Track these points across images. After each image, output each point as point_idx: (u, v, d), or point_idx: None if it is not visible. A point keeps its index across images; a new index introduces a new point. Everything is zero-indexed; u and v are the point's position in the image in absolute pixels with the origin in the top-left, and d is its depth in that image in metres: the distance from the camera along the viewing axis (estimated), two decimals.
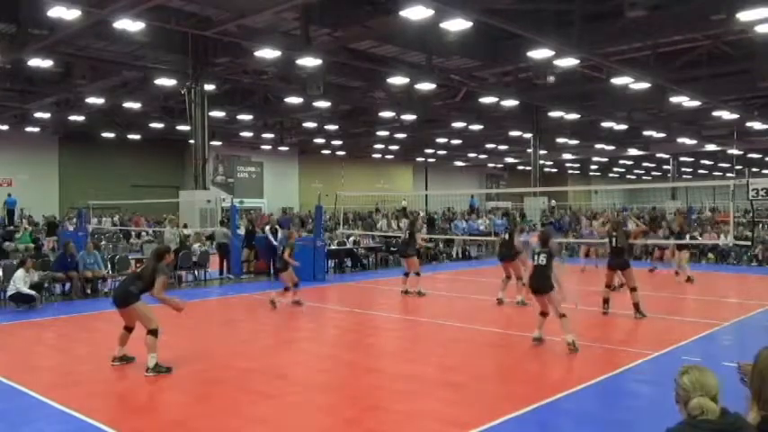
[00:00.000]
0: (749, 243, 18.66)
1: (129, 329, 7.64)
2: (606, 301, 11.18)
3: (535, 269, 8.52)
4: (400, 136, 37.27)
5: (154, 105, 27.77)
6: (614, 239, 11.00)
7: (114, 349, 7.69)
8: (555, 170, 60.65)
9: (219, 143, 37.83)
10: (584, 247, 19.44)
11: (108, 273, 14.17)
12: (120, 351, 7.69)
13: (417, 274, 13.63)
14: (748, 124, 31.30)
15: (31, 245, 19.55)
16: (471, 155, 50.68)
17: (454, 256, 22.75)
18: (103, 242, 23.23)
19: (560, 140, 38.85)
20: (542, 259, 8.40)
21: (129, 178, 36.44)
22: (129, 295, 7.38)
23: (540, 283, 8.41)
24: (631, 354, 8.01)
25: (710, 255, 21.23)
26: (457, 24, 13.95)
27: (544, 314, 8.56)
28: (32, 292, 11.76)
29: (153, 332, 7.25)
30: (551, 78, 19.40)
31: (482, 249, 24.82)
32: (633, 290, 10.73)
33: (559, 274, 8.38)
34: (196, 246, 17.07)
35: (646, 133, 36.02)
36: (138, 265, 15.48)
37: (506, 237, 12.87)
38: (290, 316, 11.69)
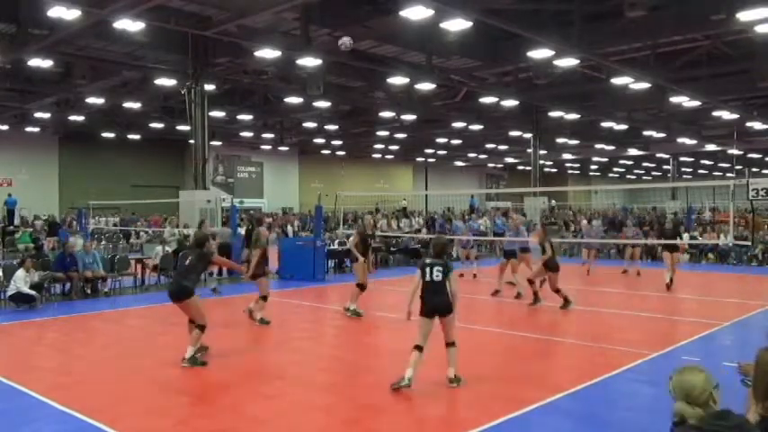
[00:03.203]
0: (749, 243, 18.67)
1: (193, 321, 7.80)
2: (566, 299, 11.55)
3: (428, 286, 6.69)
4: (400, 136, 37.28)
5: (154, 105, 27.78)
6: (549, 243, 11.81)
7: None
8: (555, 170, 60.66)
9: (219, 143, 37.84)
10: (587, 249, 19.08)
11: (108, 272, 14.16)
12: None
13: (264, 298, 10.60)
14: (748, 124, 31.31)
15: (31, 245, 19.56)
16: (471, 155, 50.70)
17: (454, 256, 22.72)
18: (103, 242, 23.29)
19: (560, 140, 38.86)
20: (437, 274, 6.65)
21: (129, 178, 36.45)
22: (184, 290, 7.62)
23: (438, 302, 6.65)
24: (631, 354, 8.00)
25: (710, 255, 21.23)
26: (457, 24, 13.96)
27: (420, 348, 6.67)
28: (32, 292, 11.76)
29: (201, 327, 7.59)
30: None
31: (482, 249, 24.80)
32: (532, 282, 11.98)
33: (457, 290, 6.78)
34: None
35: (646, 133, 36.03)
36: (138, 265, 15.51)
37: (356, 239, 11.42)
38: (290, 316, 11.69)
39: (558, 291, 11.59)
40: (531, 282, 12.04)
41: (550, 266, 11.66)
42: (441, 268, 6.67)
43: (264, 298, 10.40)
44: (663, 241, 14.81)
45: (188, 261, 7.98)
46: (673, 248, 14.33)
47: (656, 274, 17.36)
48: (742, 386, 3.49)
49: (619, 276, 17.56)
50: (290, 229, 29.95)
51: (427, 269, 6.72)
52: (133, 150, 37.21)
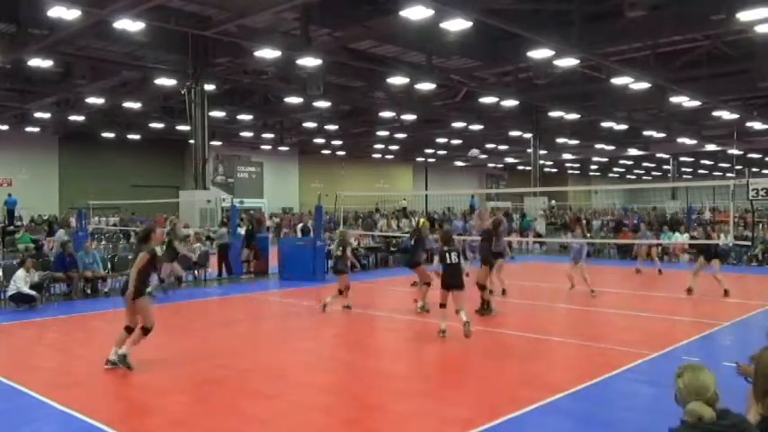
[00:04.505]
0: (749, 243, 18.66)
1: (128, 330, 7.43)
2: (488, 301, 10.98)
3: (449, 267, 8.89)
4: (400, 136, 37.29)
5: (154, 105, 27.80)
6: (495, 237, 11.32)
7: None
8: (555, 170, 60.66)
9: (219, 143, 37.84)
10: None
11: (108, 272, 14.16)
12: (126, 348, 7.40)
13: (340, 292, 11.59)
14: (748, 124, 31.34)
15: (32, 245, 19.54)
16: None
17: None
18: (103, 242, 23.28)
19: (560, 140, 38.88)
20: (454, 258, 8.88)
21: (129, 178, 36.46)
22: (132, 289, 7.27)
23: (456, 280, 8.85)
24: (631, 354, 8.00)
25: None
26: (457, 24, 13.96)
27: (443, 305, 8.92)
28: (33, 292, 11.75)
29: (145, 330, 7.35)
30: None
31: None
32: (483, 288, 10.98)
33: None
34: (197, 246, 17.06)
35: (646, 133, 36.06)
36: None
37: (412, 243, 12.24)
38: (290, 316, 11.69)
39: (482, 288, 10.89)
40: (482, 287, 11.02)
41: (485, 259, 11.20)
42: (456, 253, 8.88)
43: (340, 292, 11.45)
44: (693, 241, 14.35)
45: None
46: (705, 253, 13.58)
47: (668, 276, 17.38)
48: (746, 383, 3.49)
49: (618, 276, 17.56)
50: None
51: (446, 255, 8.84)
52: (133, 150, 37.21)
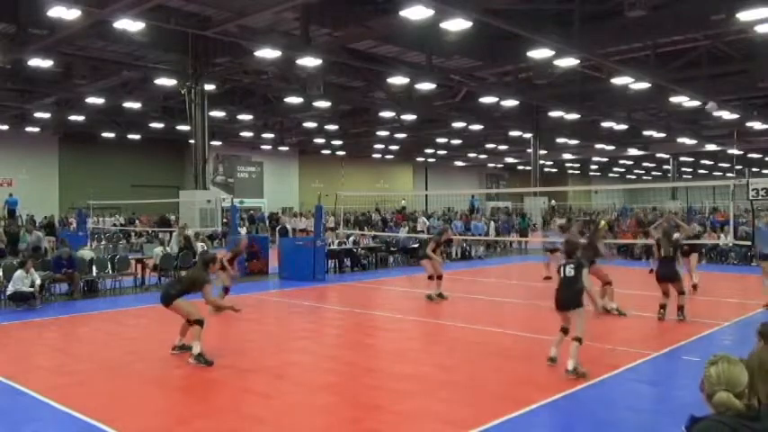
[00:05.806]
0: (749, 243, 18.64)
1: (189, 322, 8.05)
2: (663, 306, 10.62)
3: (561, 282, 7.43)
4: (400, 136, 37.28)
5: (154, 105, 27.79)
6: (662, 248, 10.69)
7: (175, 339, 8.26)
8: (555, 170, 60.65)
9: (219, 143, 37.82)
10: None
11: (102, 273, 14.18)
12: (180, 341, 8.21)
13: (439, 277, 13.02)
14: (748, 124, 31.33)
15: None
16: (471, 155, 50.70)
17: (453, 256, 22.75)
18: (103, 242, 23.32)
19: (560, 140, 38.87)
20: (570, 271, 7.31)
21: (129, 178, 36.43)
22: (169, 296, 7.96)
23: (566, 297, 7.31)
24: (631, 354, 8.00)
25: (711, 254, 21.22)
26: (457, 24, 13.95)
27: (565, 330, 7.44)
28: (30, 289, 11.73)
29: (198, 322, 7.80)
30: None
31: (489, 250, 24.91)
32: (680, 293, 10.59)
33: (588, 286, 7.30)
34: (199, 245, 17.08)
35: (646, 133, 36.05)
36: (137, 264, 15.51)
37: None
38: (290, 316, 11.70)
39: (681, 293, 10.67)
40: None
41: (666, 275, 10.71)
42: (573, 265, 7.34)
43: (432, 277, 12.89)
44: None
45: (186, 274, 8.61)
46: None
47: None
48: None
49: (615, 277, 17.54)
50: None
51: (562, 268, 7.47)
52: (133, 150, 37.18)
